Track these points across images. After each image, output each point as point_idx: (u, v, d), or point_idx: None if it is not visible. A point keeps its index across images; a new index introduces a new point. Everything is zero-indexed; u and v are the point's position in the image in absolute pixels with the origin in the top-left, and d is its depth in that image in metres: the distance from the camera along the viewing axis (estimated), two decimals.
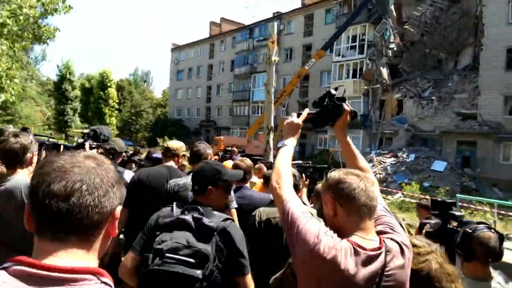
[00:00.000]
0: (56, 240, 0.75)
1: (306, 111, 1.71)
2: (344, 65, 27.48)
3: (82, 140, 3.33)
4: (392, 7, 25.80)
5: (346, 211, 1.29)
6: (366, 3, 24.27)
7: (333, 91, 1.67)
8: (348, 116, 1.66)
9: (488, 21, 20.60)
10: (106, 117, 44.99)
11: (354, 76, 26.73)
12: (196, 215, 1.78)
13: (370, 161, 22.94)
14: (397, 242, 1.32)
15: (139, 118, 53.07)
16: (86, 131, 3.47)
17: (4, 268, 0.72)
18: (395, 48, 26.06)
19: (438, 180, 18.62)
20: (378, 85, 25.33)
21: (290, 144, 1.64)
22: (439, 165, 20.65)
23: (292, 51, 32.71)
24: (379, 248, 1.27)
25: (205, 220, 1.76)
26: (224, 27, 43.65)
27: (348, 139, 1.70)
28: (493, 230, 2.00)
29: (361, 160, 1.68)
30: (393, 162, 21.75)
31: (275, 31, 11.08)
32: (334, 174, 1.37)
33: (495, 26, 20.22)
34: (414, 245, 1.36)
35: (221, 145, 31.85)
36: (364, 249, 1.23)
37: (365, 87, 25.83)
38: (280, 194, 1.43)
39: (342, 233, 1.28)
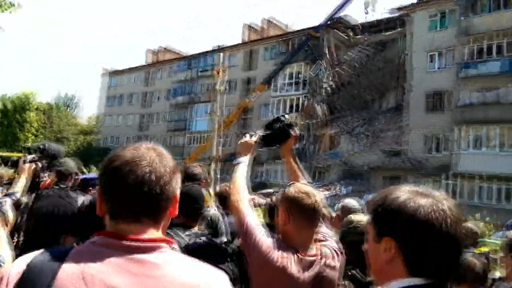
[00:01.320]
0: (133, 223, 0.87)
1: (258, 133, 1.94)
2: (283, 100, 28.48)
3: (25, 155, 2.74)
4: (326, 50, 27.75)
5: (295, 224, 1.51)
6: (303, 44, 25.84)
7: (286, 117, 1.96)
8: (294, 140, 1.96)
9: (411, 68, 23.09)
10: (21, 143, 40.31)
11: (292, 111, 27.73)
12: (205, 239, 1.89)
13: None
14: (330, 248, 1.62)
15: (61, 145, 48.49)
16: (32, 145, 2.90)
17: (92, 242, 0.85)
18: (328, 88, 27.79)
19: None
20: (315, 121, 26.53)
21: (245, 161, 1.83)
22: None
23: (233, 84, 33.13)
24: (317, 255, 1.55)
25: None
26: (162, 56, 43.04)
27: (296, 158, 1.99)
28: (477, 257, 2.31)
29: (307, 177, 1.94)
30: (328, 195, 22.43)
31: (222, 61, 11.05)
32: (291, 190, 1.56)
33: (416, 73, 22.70)
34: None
35: None
36: (305, 256, 1.49)
37: (303, 122, 26.86)
38: (240, 208, 1.61)
39: (289, 240, 1.53)
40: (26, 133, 41.63)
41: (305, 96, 27.33)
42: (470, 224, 5.00)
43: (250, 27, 34.75)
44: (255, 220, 1.58)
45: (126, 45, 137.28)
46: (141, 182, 0.86)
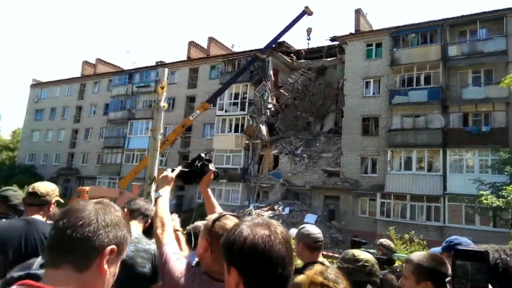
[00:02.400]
0: (52, 268, 0.90)
1: (179, 168, 2.07)
2: (227, 119, 28.36)
3: None
4: (271, 72, 28.44)
5: (214, 256, 1.52)
6: (249, 65, 26.18)
7: (202, 154, 2.09)
8: (212, 175, 2.10)
9: (348, 93, 24.45)
10: None
11: (236, 130, 27.67)
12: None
13: (249, 214, 23.17)
14: None
15: None
16: None
17: None
18: (272, 108, 28.32)
19: None
20: (258, 141, 26.69)
21: (165, 194, 1.93)
22: (310, 218, 22.14)
23: (175, 101, 32.34)
24: None
25: None
26: (100, 69, 40.86)
27: (210, 192, 2.11)
28: (395, 273, 2.71)
29: (219, 209, 2.04)
30: (271, 215, 22.40)
31: (166, 77, 10.52)
32: (216, 225, 1.57)
33: (352, 98, 24.07)
34: (323, 285, 1.37)
35: (84, 197, 27.74)
36: (218, 281, 1.47)
37: (246, 142, 26.88)
38: (161, 238, 1.70)
39: (206, 266, 1.55)
40: None
41: (250, 116, 27.51)
42: (385, 241, 5.06)
43: (194, 44, 34.52)
44: (173, 249, 1.65)
45: (60, 57, 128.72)
46: (67, 226, 0.89)
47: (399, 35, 23.29)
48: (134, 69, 35.87)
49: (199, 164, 2.06)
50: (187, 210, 27.12)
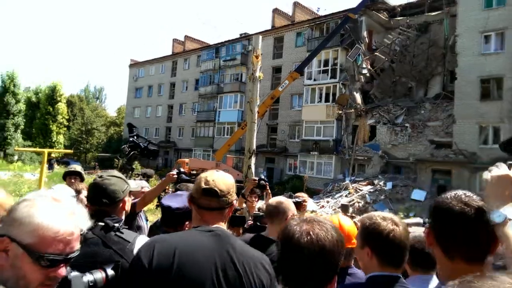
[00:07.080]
0: None
1: None
2: (316, 88, 26.92)
3: None
4: (365, 33, 25.81)
5: None
6: (339, 27, 24.01)
7: None
8: None
9: (461, 51, 20.90)
10: (53, 135, 40.81)
11: (326, 100, 26.16)
12: None
13: (345, 188, 22.06)
14: None
15: (90, 137, 49.14)
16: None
17: None
18: (367, 74, 25.95)
19: (420, 210, 17.97)
20: (352, 110, 24.86)
21: None
22: (418, 194, 20.16)
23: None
24: None
25: None
26: (188, 45, 42.15)
27: None
28: None
29: None
30: (371, 190, 20.98)
31: (260, 45, 9.69)
32: None
33: (468, 56, 20.52)
34: None
35: (184, 168, 29.51)
36: None
37: (338, 112, 25.27)
38: None
39: None
40: (59, 125, 41.94)
41: (342, 84, 25.63)
42: None
43: (278, 12, 33.07)
44: None
45: (151, 37, 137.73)
46: None
47: None
48: (220, 43, 36.05)
49: None
50: (278, 182, 27.08)
